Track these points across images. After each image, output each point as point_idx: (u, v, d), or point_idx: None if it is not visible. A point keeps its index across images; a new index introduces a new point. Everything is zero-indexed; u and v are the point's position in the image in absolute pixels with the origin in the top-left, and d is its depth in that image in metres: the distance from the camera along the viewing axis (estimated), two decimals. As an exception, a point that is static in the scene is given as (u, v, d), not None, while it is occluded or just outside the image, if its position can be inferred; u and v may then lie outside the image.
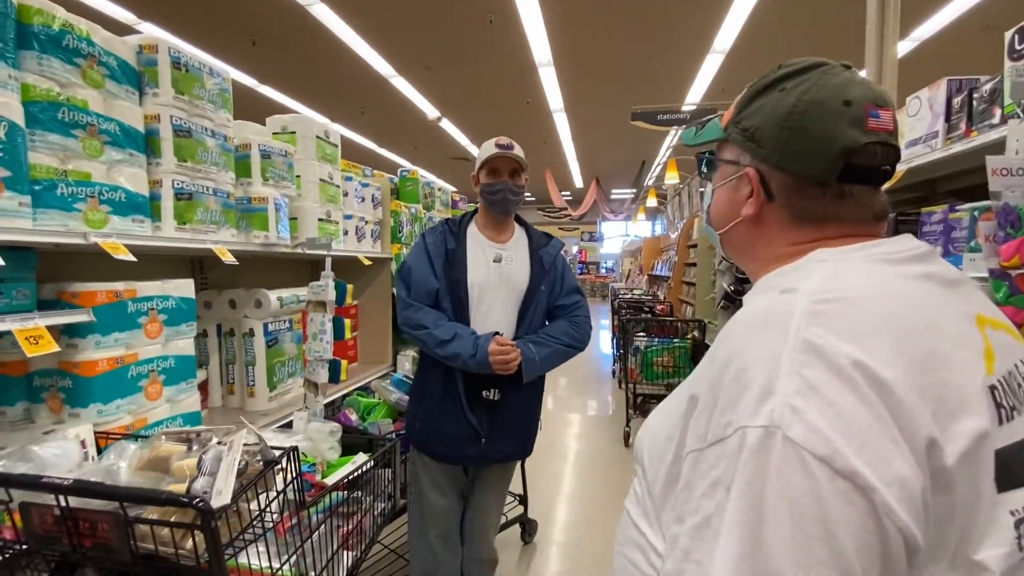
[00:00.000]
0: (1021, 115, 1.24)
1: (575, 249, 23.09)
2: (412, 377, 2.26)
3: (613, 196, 19.41)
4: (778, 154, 0.60)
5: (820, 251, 0.57)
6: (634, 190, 17.13)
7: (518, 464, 2.46)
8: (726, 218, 0.67)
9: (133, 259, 1.19)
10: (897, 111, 1.91)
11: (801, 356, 0.45)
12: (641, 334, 4.43)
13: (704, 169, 0.74)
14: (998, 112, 1.41)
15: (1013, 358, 0.53)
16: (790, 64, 0.63)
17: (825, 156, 0.57)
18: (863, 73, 3.57)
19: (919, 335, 0.47)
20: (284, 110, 7.27)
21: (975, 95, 1.51)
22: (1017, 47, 1.31)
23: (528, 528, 2.75)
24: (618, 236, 21.46)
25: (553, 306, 1.81)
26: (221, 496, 0.86)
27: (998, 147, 1.22)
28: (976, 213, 1.44)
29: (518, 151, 1.74)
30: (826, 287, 0.50)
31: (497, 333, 1.66)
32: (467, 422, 1.68)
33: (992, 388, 0.48)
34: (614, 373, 6.54)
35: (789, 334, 0.46)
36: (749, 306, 0.55)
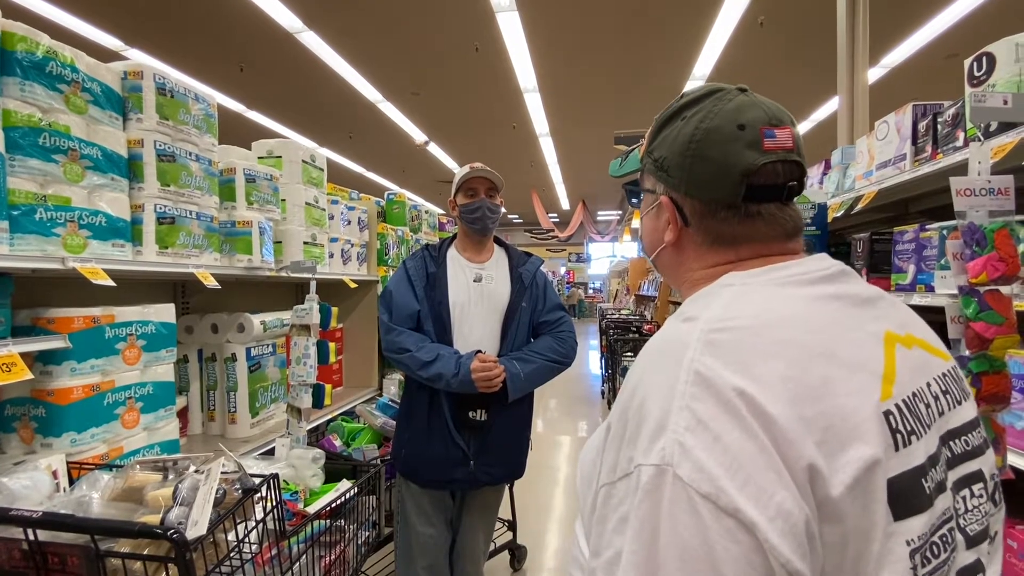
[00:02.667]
0: (982, 138, 1.29)
1: (563, 270, 23.22)
2: (398, 401, 2.24)
3: (599, 217, 19.64)
4: (685, 183, 0.61)
5: (729, 275, 0.58)
6: (620, 211, 17.37)
7: (506, 488, 2.42)
8: (654, 244, 0.69)
9: (112, 284, 1.17)
10: (868, 135, 1.98)
11: (692, 389, 0.45)
12: (629, 354, 4.44)
13: (632, 199, 0.76)
14: (961, 135, 1.47)
15: (924, 377, 0.52)
16: (689, 93, 0.65)
17: (727, 180, 0.58)
18: (835, 99, 3.70)
19: (813, 362, 0.46)
20: (272, 135, 7.30)
21: (939, 119, 1.58)
22: (976, 74, 1.38)
23: (517, 555, 2.69)
24: (605, 257, 21.65)
25: (537, 323, 1.82)
26: (197, 527, 0.84)
27: (963, 169, 1.27)
28: (945, 232, 1.49)
29: (493, 172, 1.79)
30: (724, 315, 0.51)
31: (479, 351, 1.66)
32: (454, 444, 1.66)
33: (887, 414, 0.46)
34: (603, 394, 6.52)
35: (683, 365, 0.47)
36: (658, 333, 0.56)
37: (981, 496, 0.53)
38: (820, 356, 0.47)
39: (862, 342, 0.50)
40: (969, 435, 0.54)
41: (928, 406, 0.50)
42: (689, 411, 0.45)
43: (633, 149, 0.75)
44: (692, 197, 0.62)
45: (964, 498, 0.52)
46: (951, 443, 0.52)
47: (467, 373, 1.59)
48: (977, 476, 0.54)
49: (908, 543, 0.44)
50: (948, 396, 0.54)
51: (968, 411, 0.56)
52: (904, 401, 0.48)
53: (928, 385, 0.52)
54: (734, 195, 0.58)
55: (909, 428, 0.47)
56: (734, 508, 0.41)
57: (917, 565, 0.44)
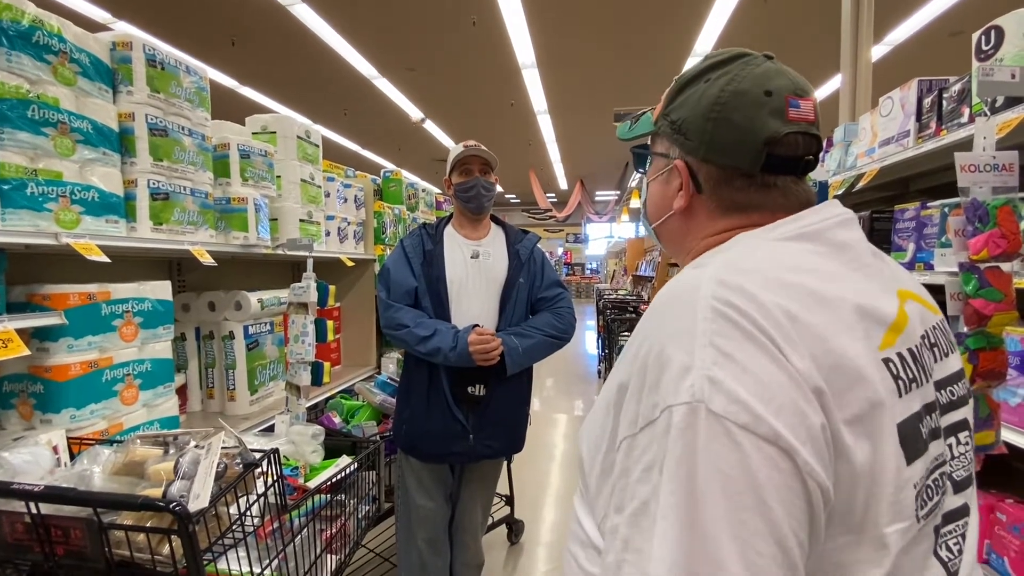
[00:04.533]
0: (988, 113, 1.28)
1: (560, 250, 23.16)
2: (396, 379, 2.25)
3: (597, 198, 19.52)
4: (705, 146, 0.60)
5: (739, 236, 0.58)
6: (618, 192, 17.26)
7: (504, 464, 2.46)
8: (660, 211, 0.68)
9: (107, 260, 1.16)
10: (871, 112, 1.96)
11: (712, 325, 0.45)
12: (626, 334, 4.47)
13: (638, 164, 0.74)
14: (967, 111, 1.45)
15: (922, 328, 0.54)
16: (715, 55, 0.63)
17: (749, 147, 0.57)
18: (837, 76, 3.65)
19: (820, 306, 0.47)
20: (265, 111, 7.16)
21: (944, 95, 1.55)
22: (984, 48, 1.35)
23: (515, 529, 2.74)
24: (603, 237, 21.57)
25: (535, 299, 1.82)
26: (199, 500, 0.85)
27: (967, 145, 1.26)
28: (946, 209, 1.48)
29: (486, 151, 1.78)
30: (733, 260, 0.51)
31: (477, 325, 1.66)
32: (454, 418, 1.68)
33: (887, 361, 0.47)
34: (600, 373, 6.57)
35: (699, 305, 0.47)
36: (666, 286, 0.55)
37: (967, 444, 0.56)
38: (832, 300, 0.48)
39: (874, 292, 0.51)
40: (955, 385, 0.56)
41: (924, 357, 0.52)
42: (713, 347, 0.44)
43: (645, 111, 0.73)
44: (709, 163, 0.60)
45: (951, 445, 0.54)
46: (940, 392, 0.54)
47: (465, 346, 1.60)
48: (963, 424, 0.56)
49: (915, 486, 0.45)
50: (937, 349, 0.56)
51: (954, 363, 0.58)
52: (909, 350, 0.49)
53: (923, 336, 0.54)
54: (754, 163, 0.58)
55: (911, 376, 0.48)
56: (775, 435, 0.41)
57: (919, 508, 0.45)
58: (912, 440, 0.46)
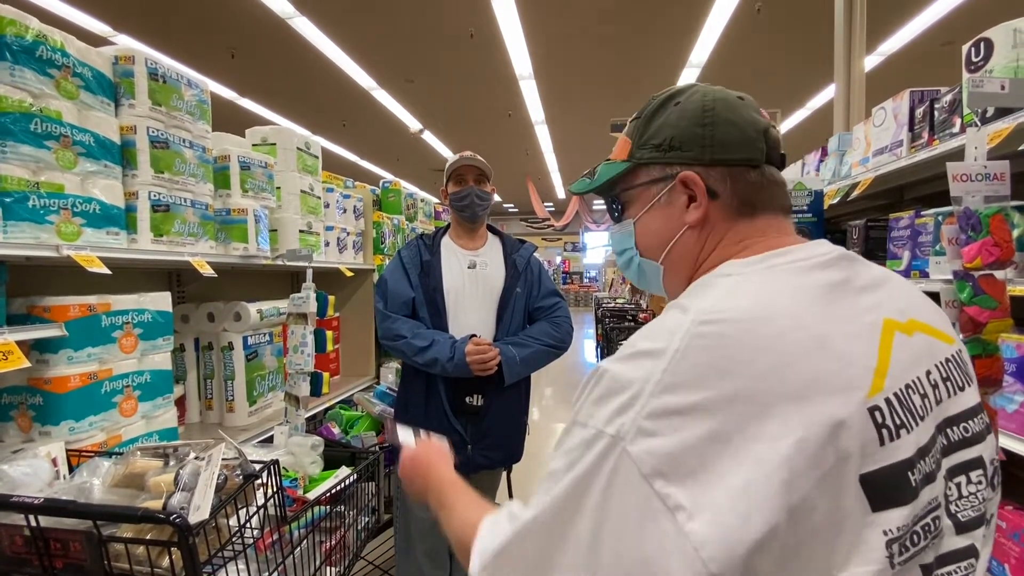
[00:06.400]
0: (979, 123, 1.30)
1: (558, 259, 23.20)
2: (395, 389, 2.24)
3: (595, 207, 19.60)
4: (709, 149, 0.61)
5: (727, 264, 0.58)
6: (615, 201, 17.29)
7: (503, 474, 2.44)
8: (666, 237, 0.65)
9: (107, 272, 1.17)
10: (864, 122, 1.98)
11: (668, 378, 0.46)
12: (624, 342, 4.46)
13: (617, 209, 0.70)
14: (958, 121, 1.47)
15: (923, 365, 0.51)
16: (667, 90, 0.67)
17: (751, 139, 0.60)
18: (831, 87, 3.69)
19: (802, 358, 0.45)
20: (265, 123, 7.21)
21: (936, 106, 1.58)
22: (974, 59, 1.38)
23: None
24: (601, 246, 21.62)
25: (532, 308, 1.83)
26: (199, 512, 0.84)
27: (959, 155, 1.27)
28: (940, 218, 1.50)
29: (481, 161, 1.80)
30: (715, 306, 0.49)
31: (474, 335, 1.66)
32: (452, 429, 1.67)
33: (873, 409, 0.45)
34: (599, 382, 6.54)
35: (667, 356, 0.47)
36: (655, 320, 0.55)
37: (980, 483, 0.52)
38: (813, 350, 0.46)
39: (856, 334, 0.48)
40: (969, 422, 0.53)
41: (925, 396, 0.49)
42: (659, 400, 0.45)
43: (596, 167, 0.71)
44: (718, 164, 0.61)
45: (959, 485, 0.51)
46: (948, 430, 0.51)
47: (462, 356, 1.60)
48: (976, 463, 0.52)
49: (885, 533, 0.43)
50: (949, 383, 0.53)
51: (970, 397, 0.54)
52: (896, 394, 0.47)
53: (928, 373, 0.51)
54: (760, 152, 0.61)
55: (899, 422, 0.46)
56: (675, 503, 0.42)
57: (894, 554, 0.43)
58: (890, 488, 0.44)
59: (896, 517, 0.43)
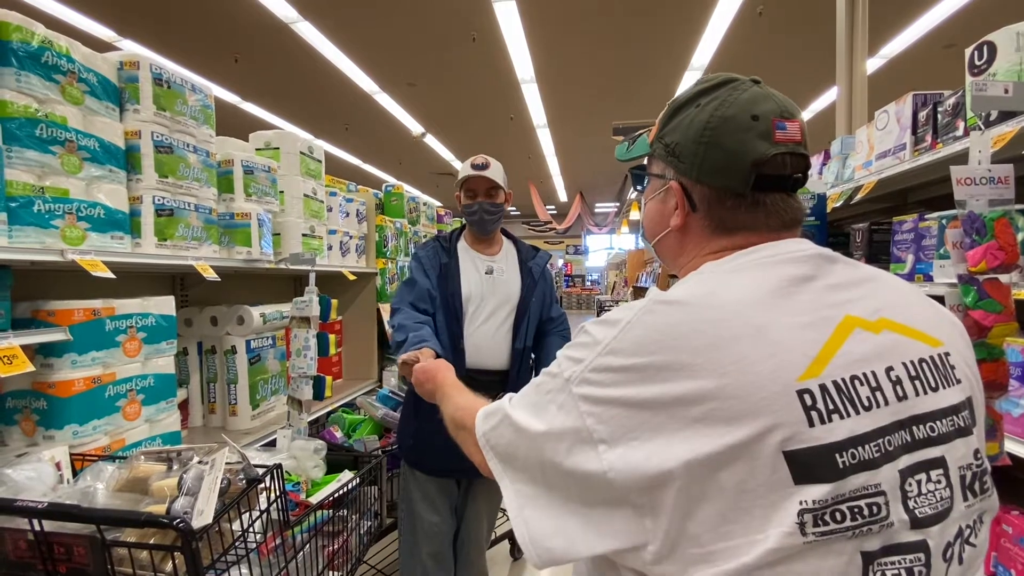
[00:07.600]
0: (982, 127, 1.29)
1: (560, 262, 23.19)
2: (398, 392, 2.24)
3: (597, 210, 19.60)
4: (697, 168, 0.64)
5: (705, 265, 0.62)
6: (617, 203, 17.34)
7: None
8: (658, 228, 0.72)
9: (112, 276, 1.17)
10: (867, 125, 1.98)
11: (614, 344, 0.55)
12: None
13: (636, 183, 0.78)
14: (961, 125, 1.47)
15: (883, 361, 0.53)
16: (704, 80, 0.67)
17: (738, 169, 0.61)
18: (833, 89, 3.69)
19: (732, 342, 0.51)
20: (268, 127, 7.24)
21: (939, 109, 1.57)
22: (977, 63, 1.37)
23: (518, 543, 2.71)
24: (603, 249, 21.62)
25: (544, 319, 1.82)
26: (202, 516, 0.84)
27: (963, 158, 1.27)
28: (944, 221, 1.49)
29: (494, 169, 1.74)
30: (673, 292, 0.57)
31: (426, 347, 1.46)
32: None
33: (803, 392, 0.49)
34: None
35: (620, 325, 0.56)
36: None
37: (939, 482, 0.53)
38: (748, 336, 0.51)
39: (806, 325, 0.52)
40: (937, 422, 0.53)
41: (877, 389, 0.51)
42: (604, 359, 0.55)
43: (642, 133, 0.75)
44: (702, 184, 0.64)
45: (920, 482, 0.51)
46: (914, 428, 0.52)
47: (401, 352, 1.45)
48: (937, 463, 0.53)
49: (801, 503, 0.47)
50: (918, 382, 0.53)
51: (948, 397, 0.55)
52: (835, 382, 0.50)
53: (889, 369, 0.52)
54: (744, 183, 0.61)
55: (831, 407, 0.49)
56: (599, 439, 0.53)
57: (806, 523, 0.47)
58: (814, 466, 0.48)
59: (815, 492, 0.47)
